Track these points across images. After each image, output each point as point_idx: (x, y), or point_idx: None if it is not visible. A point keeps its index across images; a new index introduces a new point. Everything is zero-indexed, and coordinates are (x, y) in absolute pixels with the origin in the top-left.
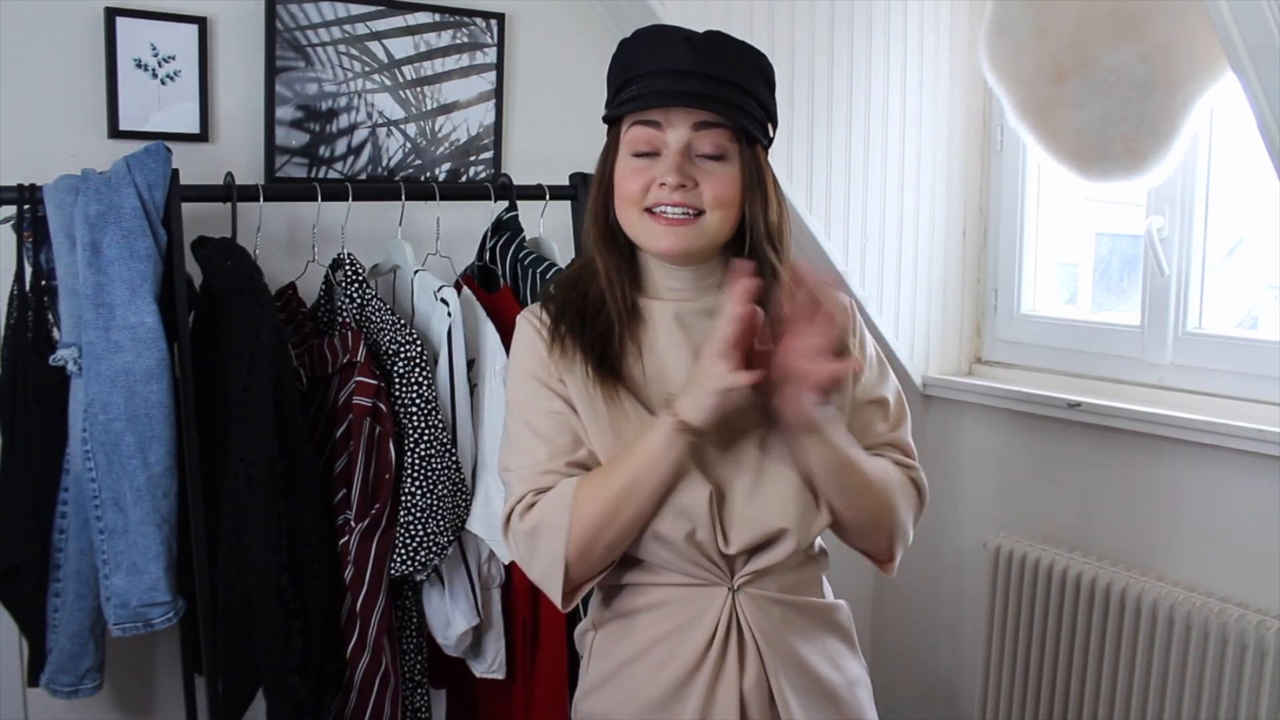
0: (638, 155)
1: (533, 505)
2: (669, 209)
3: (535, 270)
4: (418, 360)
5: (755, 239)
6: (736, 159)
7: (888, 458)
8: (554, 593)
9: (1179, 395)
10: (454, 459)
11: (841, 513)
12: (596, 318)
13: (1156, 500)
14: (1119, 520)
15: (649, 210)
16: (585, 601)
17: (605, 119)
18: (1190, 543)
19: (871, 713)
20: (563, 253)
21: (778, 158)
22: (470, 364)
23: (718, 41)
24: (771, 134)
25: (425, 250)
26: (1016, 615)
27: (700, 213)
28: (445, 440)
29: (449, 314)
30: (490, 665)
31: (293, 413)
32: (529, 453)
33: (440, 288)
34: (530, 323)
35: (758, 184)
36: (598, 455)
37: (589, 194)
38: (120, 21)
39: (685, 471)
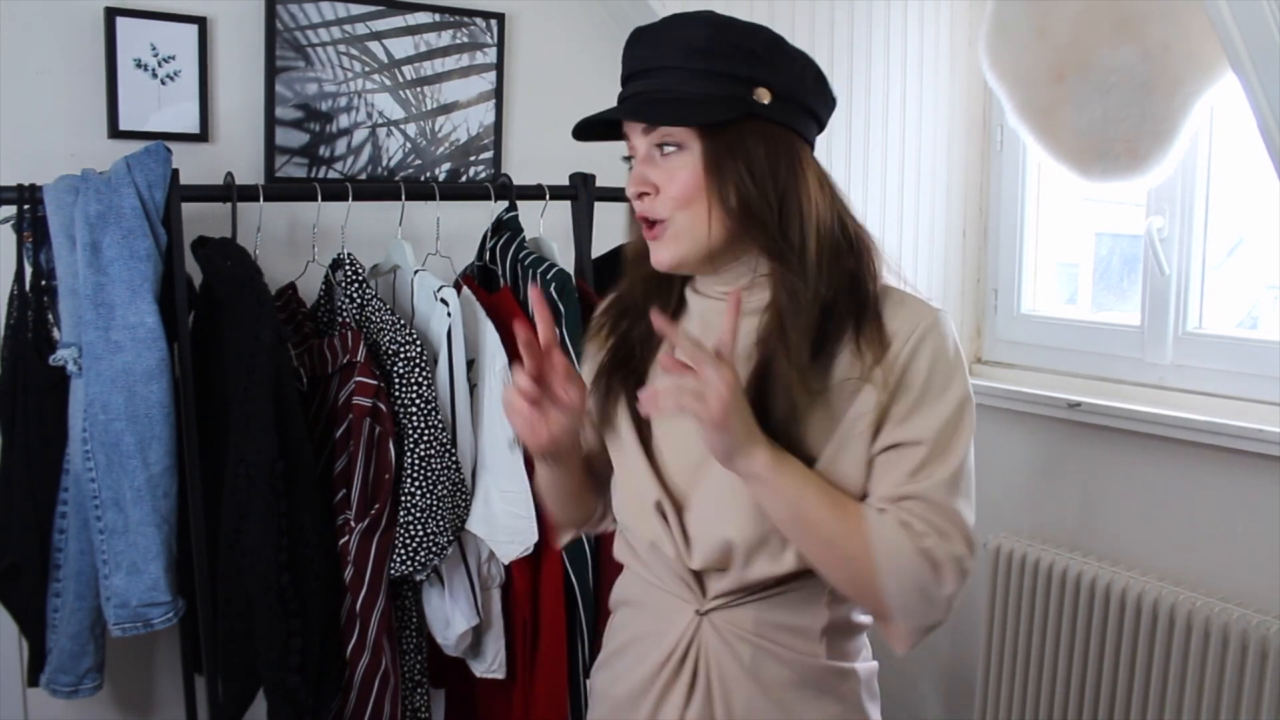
0: (626, 160)
1: None
2: (645, 222)
3: (535, 270)
4: (417, 360)
5: (746, 228)
6: (693, 148)
7: (896, 516)
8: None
9: (1179, 395)
10: (454, 459)
11: (808, 562)
12: (637, 318)
13: (1156, 500)
14: (1119, 520)
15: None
16: None
17: None
18: (1190, 543)
19: None
20: (563, 252)
21: None
22: (470, 364)
23: (659, 28)
24: (757, 96)
25: (425, 250)
26: (1016, 615)
27: (663, 219)
28: (445, 440)
29: (449, 314)
30: (490, 665)
31: (292, 412)
32: None
33: (440, 288)
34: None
35: (726, 165)
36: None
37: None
38: (120, 21)
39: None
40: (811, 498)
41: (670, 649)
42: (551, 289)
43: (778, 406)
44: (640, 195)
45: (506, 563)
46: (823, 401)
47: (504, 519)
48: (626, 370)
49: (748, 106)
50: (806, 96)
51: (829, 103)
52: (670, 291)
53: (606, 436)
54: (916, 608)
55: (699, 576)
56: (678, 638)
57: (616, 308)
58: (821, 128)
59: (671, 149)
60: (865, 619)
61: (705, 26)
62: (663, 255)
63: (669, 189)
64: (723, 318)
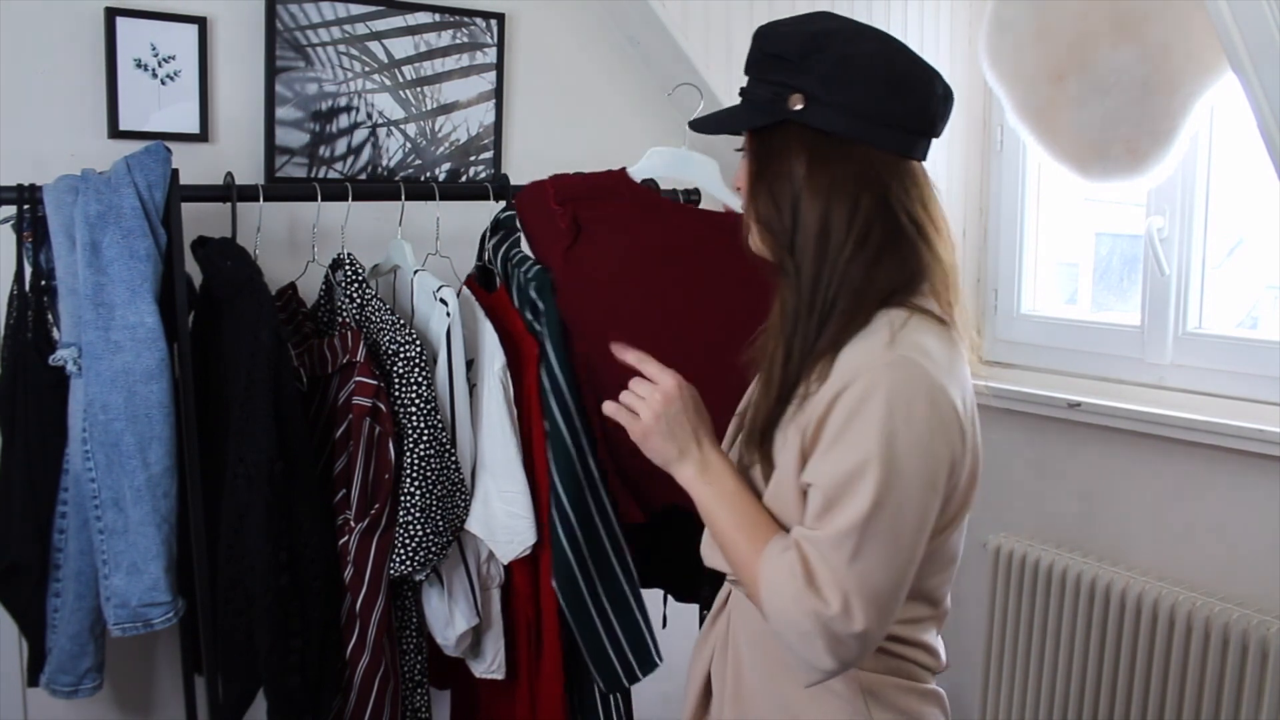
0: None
1: None
2: None
3: (520, 269)
4: (417, 360)
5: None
6: (750, 150)
7: (796, 555)
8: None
9: (1179, 395)
10: (453, 459)
11: None
12: None
13: (1156, 500)
14: (1119, 520)
15: None
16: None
17: None
18: (1190, 543)
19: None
20: None
21: None
22: (469, 364)
23: (751, 45)
24: (791, 102)
25: (425, 250)
26: (1016, 615)
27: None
28: (444, 440)
29: (448, 314)
30: (490, 665)
31: (292, 413)
32: None
33: (439, 288)
34: None
35: (765, 169)
36: None
37: None
38: (120, 21)
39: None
40: (724, 519)
41: (716, 610)
42: (531, 289)
43: (753, 415)
44: (737, 189)
45: (505, 563)
46: (789, 418)
47: (502, 519)
48: None
49: (779, 113)
50: (854, 98)
51: (908, 102)
52: None
53: None
54: (800, 649)
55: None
56: (721, 601)
57: None
58: (912, 130)
59: (741, 151)
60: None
61: (756, 37)
62: (749, 242)
63: (744, 189)
64: None
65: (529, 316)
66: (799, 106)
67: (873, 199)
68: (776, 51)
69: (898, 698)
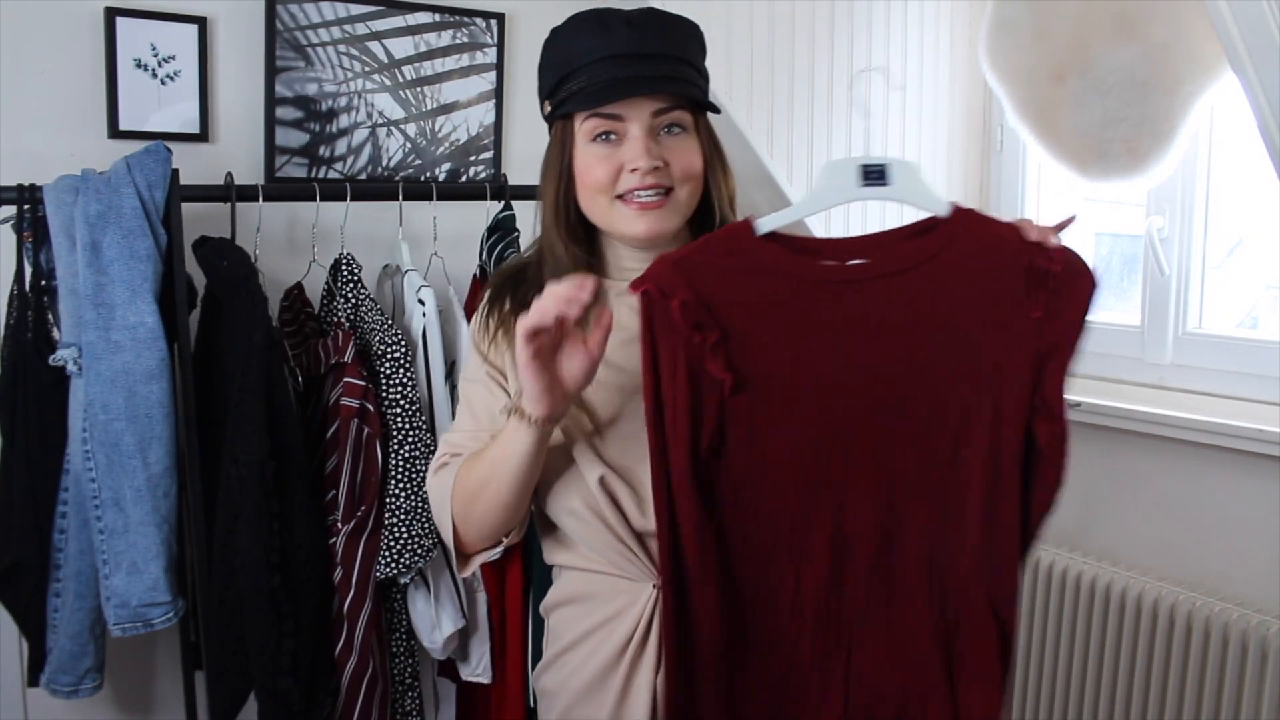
0: (597, 140)
1: (443, 466)
2: (641, 193)
3: None
4: (402, 361)
5: (721, 209)
6: (694, 132)
7: None
8: (451, 556)
9: (1179, 395)
10: None
11: None
12: None
13: (1156, 500)
14: (1119, 520)
15: (620, 196)
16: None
17: (556, 108)
18: (1190, 543)
19: None
20: None
21: (779, 158)
22: (452, 365)
23: (659, 17)
24: (713, 101)
25: (427, 250)
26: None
27: (670, 190)
28: (429, 442)
29: (424, 314)
30: (475, 668)
31: (285, 413)
32: (461, 423)
33: (419, 288)
34: (480, 313)
35: (716, 154)
36: None
37: (546, 188)
38: (120, 21)
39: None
40: None
41: (633, 626)
42: None
43: None
44: (654, 168)
45: (484, 564)
46: None
47: None
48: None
49: (710, 105)
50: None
51: None
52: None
53: None
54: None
55: (645, 547)
56: (639, 614)
57: (513, 310)
58: None
59: (679, 130)
60: None
61: (699, 30)
62: (656, 225)
63: (679, 165)
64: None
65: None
66: (713, 101)
67: None
68: (705, 48)
69: None
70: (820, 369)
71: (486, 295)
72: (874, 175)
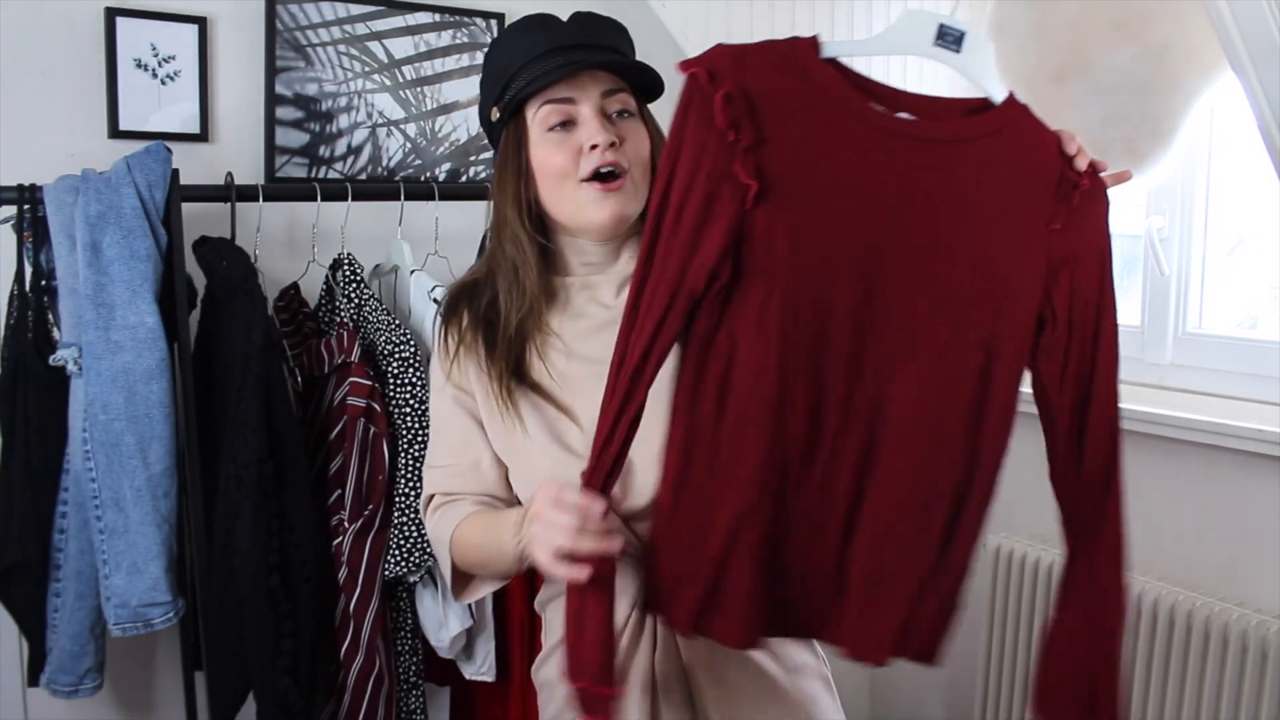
0: (552, 130)
1: (438, 508)
2: (604, 169)
3: None
4: (411, 361)
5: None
6: (640, 118)
7: None
8: (452, 594)
9: (1179, 395)
10: None
11: None
12: (502, 321)
13: (1157, 500)
14: None
15: (585, 180)
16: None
17: (507, 105)
18: (1190, 543)
19: (825, 702)
20: None
21: None
22: None
23: (595, 16)
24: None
25: (425, 250)
26: (1016, 615)
27: (626, 171)
28: None
29: (439, 314)
30: (480, 667)
31: (283, 414)
32: (437, 454)
33: (433, 288)
34: (437, 332)
35: (661, 141)
36: (500, 455)
37: (502, 191)
38: (120, 21)
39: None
40: None
41: (627, 611)
42: None
43: None
44: (611, 143)
45: None
46: None
47: None
48: (523, 379)
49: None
50: None
51: None
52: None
53: (511, 441)
54: None
55: (632, 530)
56: (632, 598)
57: (471, 328)
58: None
59: (629, 115)
60: None
61: (619, 23)
62: (621, 206)
63: (632, 144)
64: (615, 281)
65: None
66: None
67: None
68: (628, 43)
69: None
70: (851, 211)
71: (439, 313)
72: (949, 38)
